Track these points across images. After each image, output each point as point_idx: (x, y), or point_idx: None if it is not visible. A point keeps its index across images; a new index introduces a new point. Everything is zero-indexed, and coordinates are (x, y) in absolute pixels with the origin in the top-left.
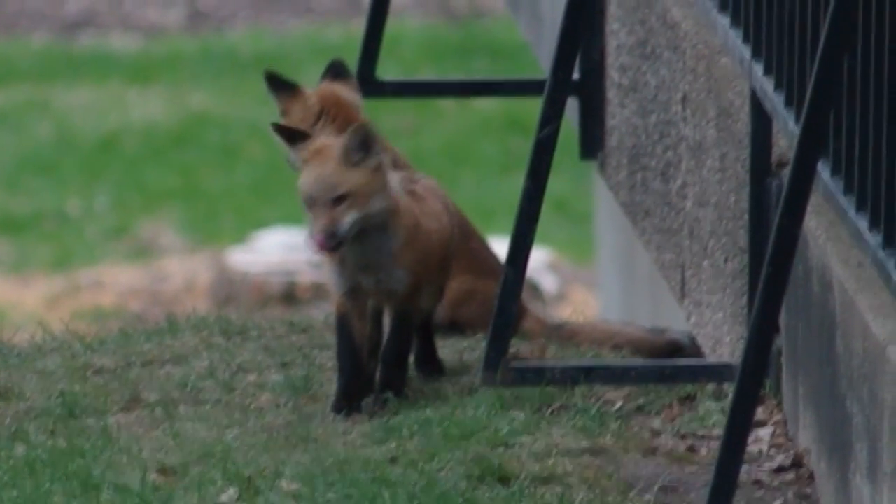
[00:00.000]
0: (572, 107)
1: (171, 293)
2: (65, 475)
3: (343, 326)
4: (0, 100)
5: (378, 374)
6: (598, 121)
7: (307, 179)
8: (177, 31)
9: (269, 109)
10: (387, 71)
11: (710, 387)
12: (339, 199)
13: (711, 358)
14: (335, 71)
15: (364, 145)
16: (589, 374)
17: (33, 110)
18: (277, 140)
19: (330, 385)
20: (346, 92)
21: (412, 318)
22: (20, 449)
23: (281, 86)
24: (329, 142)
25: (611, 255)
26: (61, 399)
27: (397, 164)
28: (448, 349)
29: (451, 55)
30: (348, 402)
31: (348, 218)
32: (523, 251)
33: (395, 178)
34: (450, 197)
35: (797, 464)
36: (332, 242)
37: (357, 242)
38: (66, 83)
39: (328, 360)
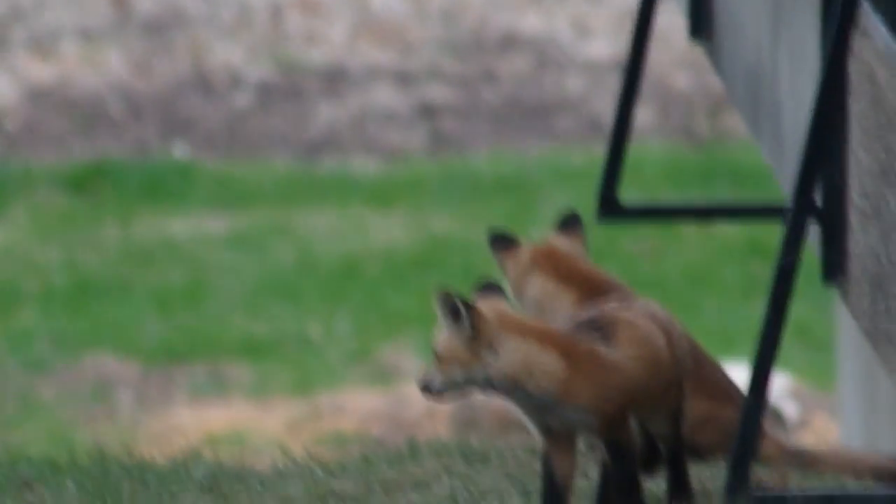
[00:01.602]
0: (814, 231)
1: (412, 418)
2: None
3: (544, 465)
4: (243, 223)
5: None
6: (840, 246)
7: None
8: (418, 153)
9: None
10: (629, 194)
11: None
12: (436, 356)
13: None
14: (564, 222)
15: (452, 314)
16: (832, 503)
17: (275, 233)
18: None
19: None
20: (565, 244)
21: (623, 448)
22: None
23: (500, 242)
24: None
25: (852, 381)
26: None
27: (610, 289)
28: None
29: (692, 179)
30: None
31: (439, 375)
32: (764, 377)
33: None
34: (677, 320)
35: None
36: (426, 393)
37: (504, 395)
38: (308, 206)
39: None
